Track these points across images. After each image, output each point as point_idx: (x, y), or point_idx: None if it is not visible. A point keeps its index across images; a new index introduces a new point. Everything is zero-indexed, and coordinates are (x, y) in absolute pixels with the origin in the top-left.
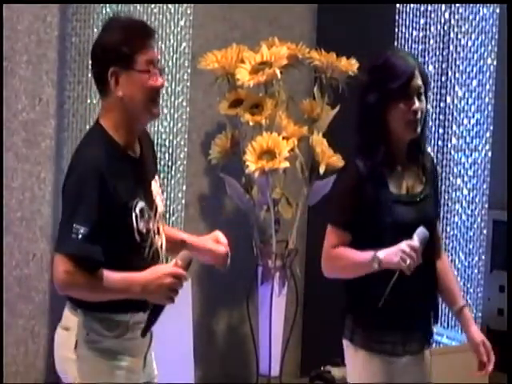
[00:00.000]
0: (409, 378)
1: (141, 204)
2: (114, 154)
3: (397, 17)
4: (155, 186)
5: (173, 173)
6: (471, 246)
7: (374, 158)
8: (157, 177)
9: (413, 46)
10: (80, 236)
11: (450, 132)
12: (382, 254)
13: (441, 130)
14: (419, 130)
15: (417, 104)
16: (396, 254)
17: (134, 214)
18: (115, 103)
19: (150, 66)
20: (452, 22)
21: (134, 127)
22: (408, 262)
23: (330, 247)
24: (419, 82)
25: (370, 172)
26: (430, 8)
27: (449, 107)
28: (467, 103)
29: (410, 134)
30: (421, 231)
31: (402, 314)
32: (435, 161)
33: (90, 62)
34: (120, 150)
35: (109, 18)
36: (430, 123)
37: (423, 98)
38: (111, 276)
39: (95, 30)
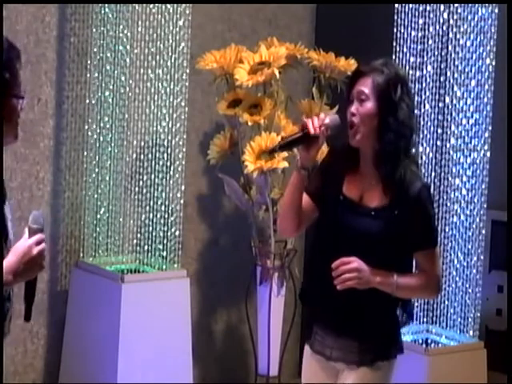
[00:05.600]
0: None
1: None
2: None
3: (395, 17)
4: (7, 210)
5: (171, 173)
6: (470, 246)
7: (340, 153)
8: (7, 201)
9: (411, 46)
10: None
11: (448, 132)
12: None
13: (439, 130)
14: (358, 137)
15: (353, 107)
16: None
17: None
18: None
19: (21, 89)
20: (451, 21)
21: None
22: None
23: None
24: (362, 87)
25: (331, 161)
26: (428, 8)
27: (447, 107)
28: (466, 103)
29: (350, 136)
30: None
31: (326, 316)
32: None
33: None
34: None
35: None
36: (429, 123)
37: (368, 104)
38: None
39: (94, 30)
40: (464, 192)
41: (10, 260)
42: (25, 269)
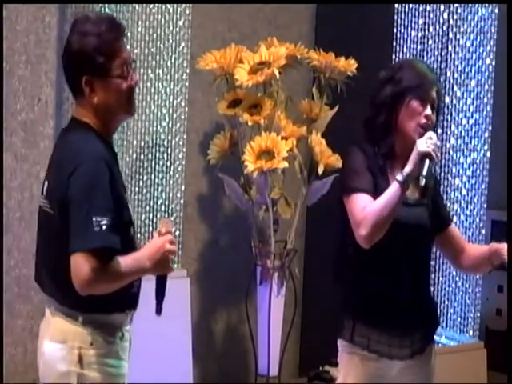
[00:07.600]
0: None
1: (127, 197)
2: (106, 148)
3: (395, 17)
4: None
5: (171, 173)
6: None
7: (380, 149)
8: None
9: (411, 46)
10: (104, 227)
11: (448, 132)
12: (406, 168)
13: (439, 130)
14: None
15: (429, 111)
16: (423, 144)
17: (129, 206)
18: (90, 107)
19: (125, 68)
20: (451, 22)
21: (112, 126)
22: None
23: (359, 212)
24: (435, 95)
25: (373, 158)
26: (428, 8)
27: (448, 107)
28: (466, 103)
29: (417, 136)
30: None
31: (396, 314)
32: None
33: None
34: (107, 145)
35: (76, 19)
36: None
37: (435, 112)
38: (123, 260)
39: None
40: (464, 192)
41: (151, 247)
42: (159, 259)
